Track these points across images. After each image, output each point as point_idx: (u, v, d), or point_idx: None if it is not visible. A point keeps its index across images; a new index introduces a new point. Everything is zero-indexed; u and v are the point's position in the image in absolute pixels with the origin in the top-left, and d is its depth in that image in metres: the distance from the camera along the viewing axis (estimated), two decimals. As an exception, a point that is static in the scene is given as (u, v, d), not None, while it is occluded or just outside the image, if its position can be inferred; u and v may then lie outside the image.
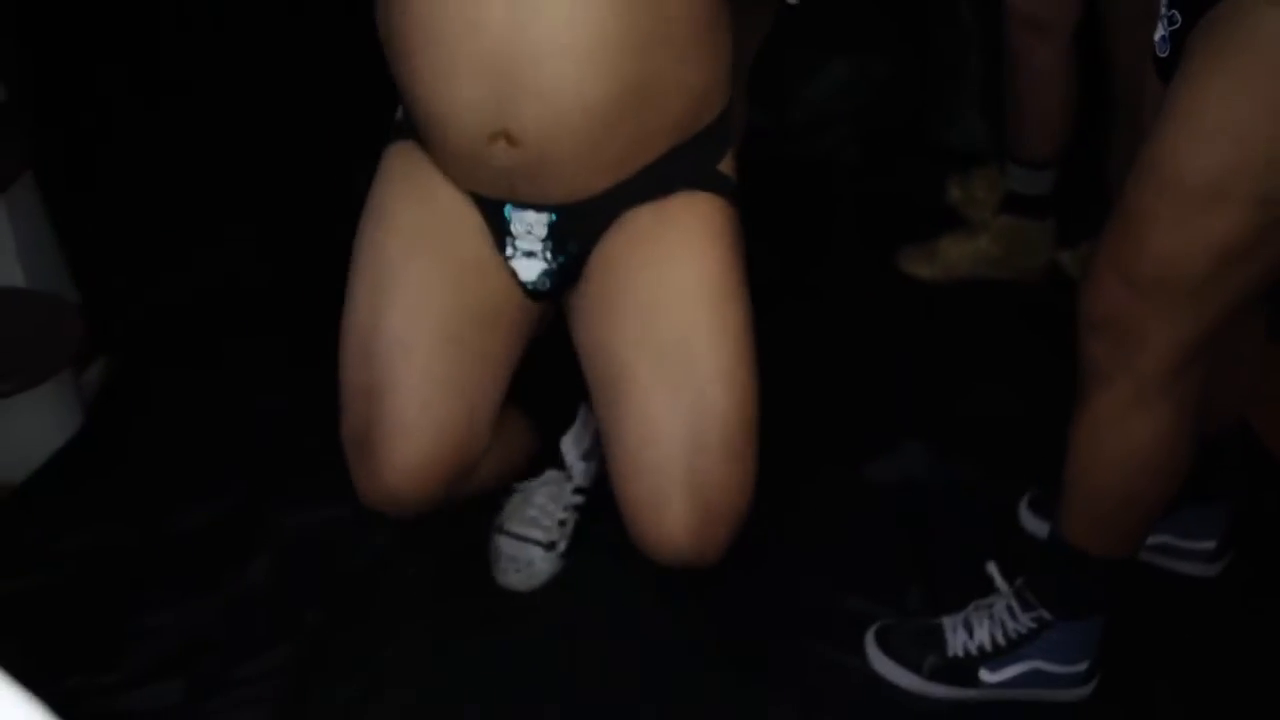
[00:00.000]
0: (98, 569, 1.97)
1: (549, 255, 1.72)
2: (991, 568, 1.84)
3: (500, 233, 1.71)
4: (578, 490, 2.01)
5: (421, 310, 1.71)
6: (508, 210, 1.69)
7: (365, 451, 1.72)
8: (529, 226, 1.70)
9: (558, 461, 2.00)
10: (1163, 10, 1.51)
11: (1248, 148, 1.39)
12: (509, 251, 1.72)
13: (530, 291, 1.75)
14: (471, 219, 1.71)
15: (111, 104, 2.97)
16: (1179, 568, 1.98)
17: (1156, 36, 1.53)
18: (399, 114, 1.77)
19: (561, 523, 1.98)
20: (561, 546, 1.97)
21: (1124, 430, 1.57)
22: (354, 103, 2.27)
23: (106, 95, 2.98)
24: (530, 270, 1.73)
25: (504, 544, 1.96)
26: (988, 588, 1.83)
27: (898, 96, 3.00)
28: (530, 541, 1.95)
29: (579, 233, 1.70)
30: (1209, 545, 1.98)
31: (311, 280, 2.06)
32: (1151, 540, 1.89)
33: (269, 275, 2.57)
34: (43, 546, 2.01)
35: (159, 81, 3.02)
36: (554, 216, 1.69)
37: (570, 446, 2.00)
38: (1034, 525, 2.02)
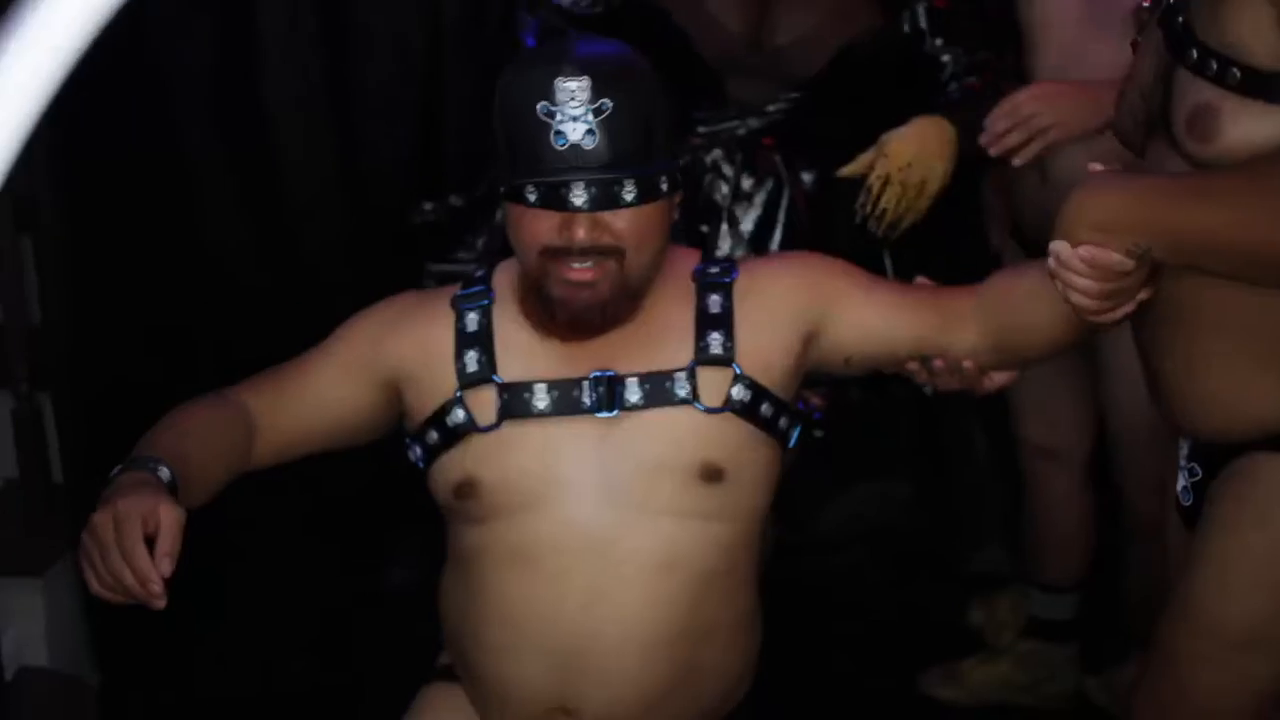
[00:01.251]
0: None
1: None
2: None
3: None
4: None
5: None
6: None
7: None
8: None
9: None
10: (1182, 462, 1.57)
11: None
12: None
13: None
14: None
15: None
16: None
17: (1179, 487, 1.59)
18: (443, 657, 1.84)
19: None
20: None
21: None
22: (387, 496, 2.34)
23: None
24: None
25: None
26: None
27: (919, 519, 3.06)
28: None
29: None
30: None
31: (349, 684, 2.06)
32: None
33: (306, 677, 2.57)
34: None
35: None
36: None
37: None
38: None
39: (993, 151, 2.20)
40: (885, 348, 1.73)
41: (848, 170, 2.30)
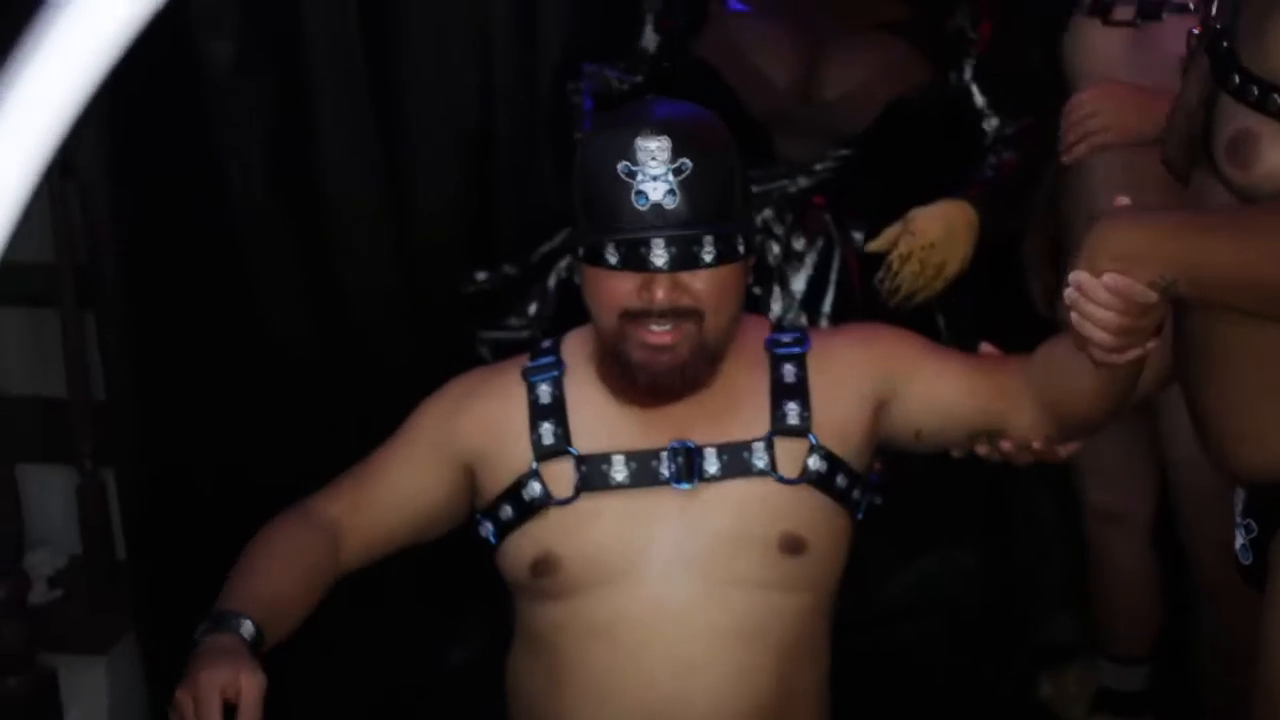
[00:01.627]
0: None
1: None
2: None
3: None
4: None
5: None
6: None
7: None
8: None
9: None
10: (1238, 520, 1.55)
11: None
12: None
13: None
14: None
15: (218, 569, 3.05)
16: None
17: (1237, 545, 1.56)
18: None
19: None
20: None
21: None
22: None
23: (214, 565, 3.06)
24: None
25: None
26: None
27: (986, 588, 3.01)
28: None
29: None
30: None
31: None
32: None
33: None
34: None
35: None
36: None
37: None
38: None
39: (1064, 159, 2.25)
40: (954, 419, 1.74)
41: (875, 245, 2.33)
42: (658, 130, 1.63)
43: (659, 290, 1.63)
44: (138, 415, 2.59)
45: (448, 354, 2.64)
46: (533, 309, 2.53)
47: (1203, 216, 1.50)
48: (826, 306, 2.40)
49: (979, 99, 2.41)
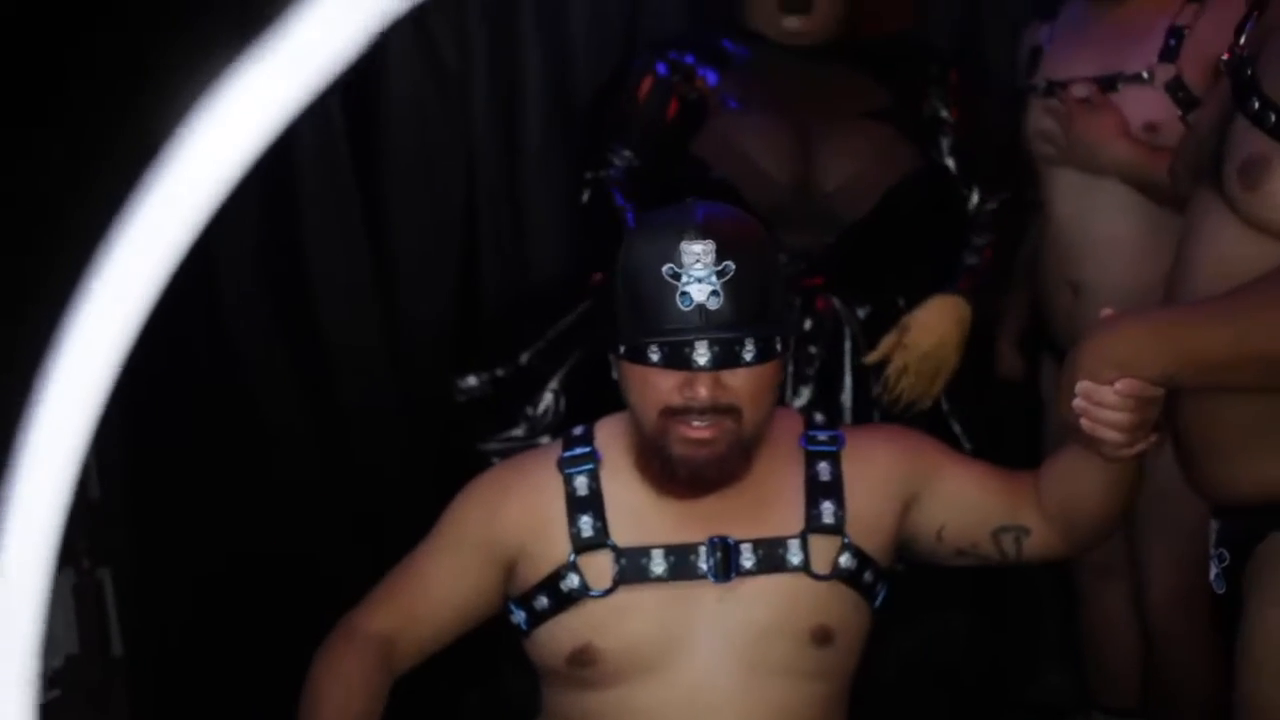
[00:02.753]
0: None
1: None
2: None
3: None
4: None
5: None
6: None
7: None
8: None
9: None
10: (1212, 550, 1.60)
11: None
12: None
13: None
14: None
15: (216, 665, 3.03)
16: None
17: (1211, 575, 1.61)
18: None
19: None
20: None
21: None
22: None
23: (212, 661, 3.05)
24: None
25: None
26: None
27: (979, 653, 3.03)
28: None
29: None
30: None
31: None
32: None
33: None
34: None
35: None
36: None
37: None
38: None
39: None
40: (976, 516, 1.82)
41: (872, 357, 2.43)
42: (702, 234, 1.69)
43: (701, 388, 1.69)
44: (133, 514, 2.61)
45: (438, 453, 2.69)
46: (545, 407, 2.56)
47: (1190, 308, 1.57)
48: (847, 387, 2.46)
49: (960, 176, 2.50)
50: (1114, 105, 2.36)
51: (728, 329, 1.69)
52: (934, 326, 2.40)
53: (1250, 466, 1.58)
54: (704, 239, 1.69)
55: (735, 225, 1.77)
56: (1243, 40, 1.61)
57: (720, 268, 1.68)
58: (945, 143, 2.51)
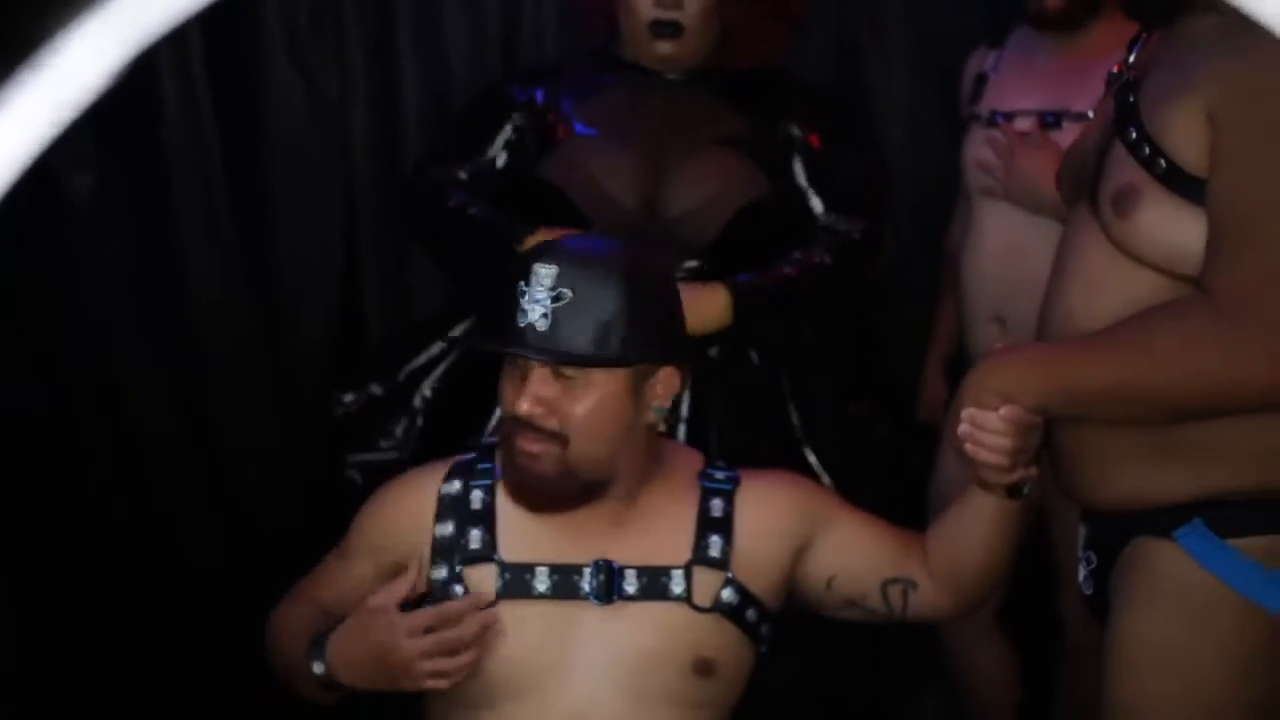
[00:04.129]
0: None
1: None
2: None
3: None
4: None
5: None
6: None
7: None
8: None
9: None
10: (1080, 552, 1.66)
11: (1185, 674, 1.53)
12: None
13: None
14: None
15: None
16: None
17: (1079, 577, 1.66)
18: None
19: None
20: None
21: None
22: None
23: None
24: None
25: None
26: None
27: (858, 674, 3.05)
28: None
29: None
30: None
31: None
32: None
33: None
34: None
35: None
36: None
37: None
38: None
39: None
40: (866, 569, 1.87)
41: None
42: (553, 258, 1.75)
43: (523, 403, 1.74)
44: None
45: (321, 476, 2.69)
46: (400, 429, 2.58)
47: (1069, 345, 1.65)
48: (684, 412, 2.46)
49: (815, 201, 2.53)
50: (1056, 143, 2.32)
51: (548, 351, 1.73)
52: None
53: (1118, 473, 1.64)
54: (551, 263, 1.73)
55: (598, 258, 1.79)
56: (1131, 59, 1.66)
57: (556, 293, 1.72)
58: (801, 169, 2.53)
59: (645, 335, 1.78)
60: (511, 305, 1.74)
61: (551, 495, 1.79)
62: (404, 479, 1.95)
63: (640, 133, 2.49)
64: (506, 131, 2.54)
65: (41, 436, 2.65)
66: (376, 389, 2.62)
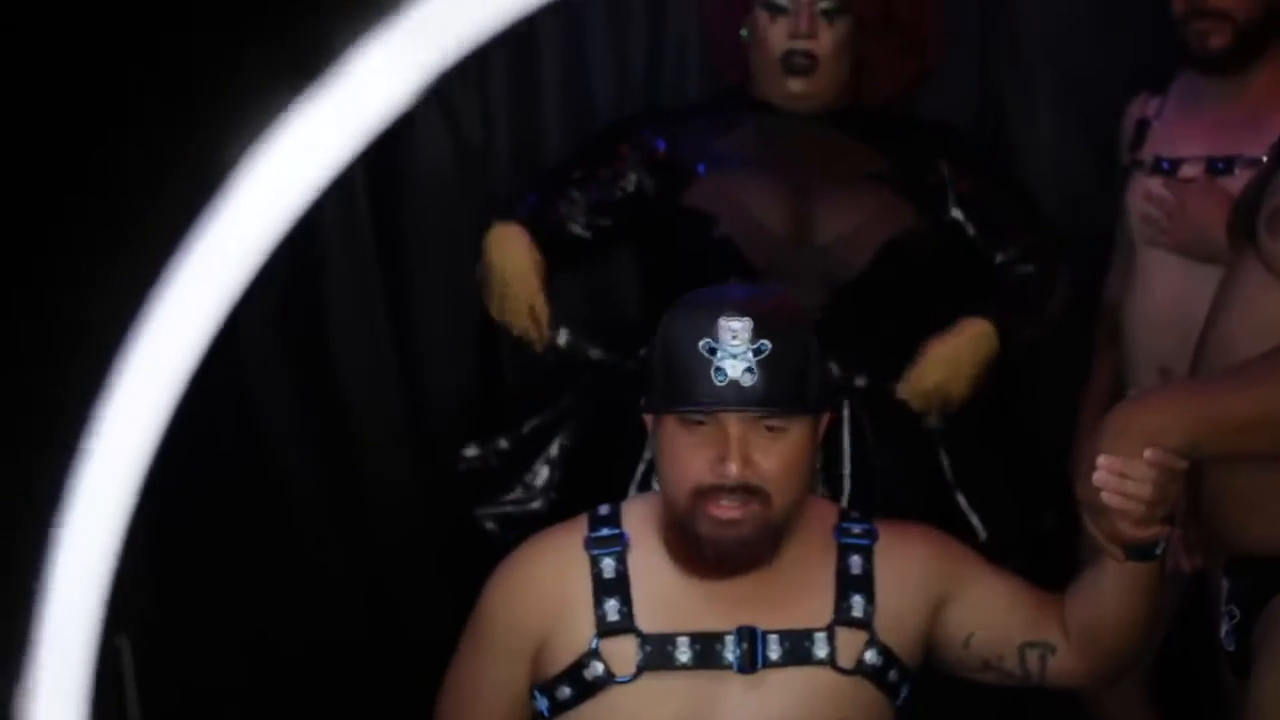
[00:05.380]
0: None
1: None
2: None
3: None
4: None
5: None
6: None
7: None
8: None
9: None
10: (1223, 607, 1.61)
11: None
12: None
13: None
14: None
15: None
16: None
17: (1222, 632, 1.61)
18: None
19: None
20: None
21: None
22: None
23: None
24: None
25: None
26: None
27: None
28: None
29: None
30: None
31: None
32: None
33: None
34: None
35: None
36: None
37: None
38: None
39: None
40: (1005, 630, 1.81)
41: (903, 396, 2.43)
42: (740, 311, 1.72)
43: (732, 465, 1.70)
44: (155, 582, 2.59)
45: (452, 529, 2.68)
46: (541, 479, 2.56)
47: (1210, 377, 1.62)
48: (846, 461, 2.45)
49: (971, 230, 2.52)
50: (1225, 189, 2.26)
51: (760, 405, 1.71)
52: (947, 361, 2.42)
53: (1265, 514, 1.60)
54: (742, 316, 1.72)
55: (775, 307, 1.79)
56: None
57: (756, 345, 1.70)
58: (952, 203, 2.52)
59: (823, 380, 1.82)
60: (703, 365, 1.71)
61: (753, 558, 1.77)
62: (526, 554, 1.89)
63: (787, 165, 2.50)
64: (630, 168, 2.54)
65: (191, 489, 2.69)
66: (503, 442, 2.60)
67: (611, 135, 2.62)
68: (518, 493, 2.55)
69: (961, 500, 2.49)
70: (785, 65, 2.48)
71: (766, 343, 1.71)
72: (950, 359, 2.41)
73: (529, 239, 2.44)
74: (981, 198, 2.53)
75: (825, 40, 2.47)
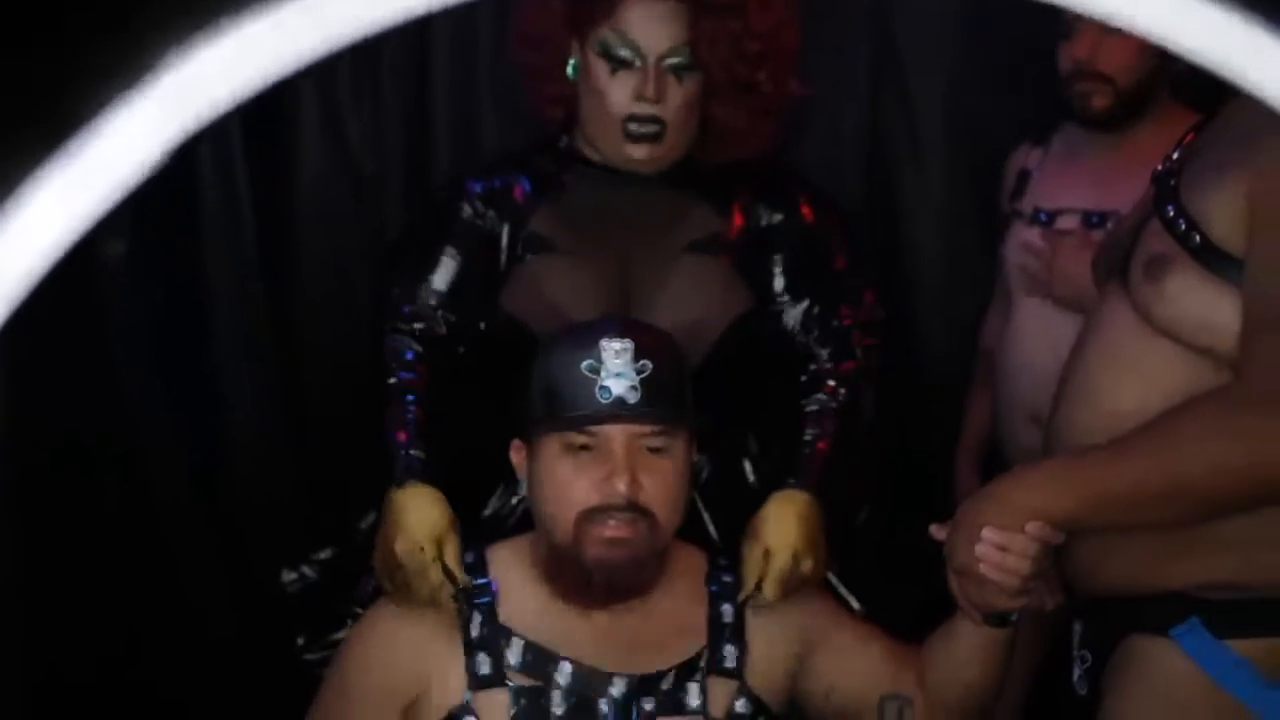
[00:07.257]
0: None
1: None
2: None
3: None
4: None
5: None
6: None
7: None
8: None
9: None
10: (1075, 651, 1.63)
11: None
12: None
13: None
14: None
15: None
16: None
17: (1074, 676, 1.63)
18: None
19: None
20: None
21: None
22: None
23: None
24: None
25: None
26: None
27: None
28: None
29: None
30: None
31: None
32: None
33: None
34: None
35: None
36: None
37: None
38: None
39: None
40: (865, 684, 1.81)
41: (746, 593, 1.93)
42: (621, 334, 1.77)
43: (619, 483, 1.72)
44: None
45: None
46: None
47: (1092, 451, 1.61)
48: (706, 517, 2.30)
49: (800, 331, 2.21)
50: (1099, 242, 2.18)
51: (648, 418, 1.74)
52: (791, 537, 1.94)
53: (1117, 558, 1.62)
54: (623, 338, 1.76)
55: (652, 332, 1.86)
56: (1175, 156, 1.67)
57: (639, 365, 1.75)
58: (779, 272, 2.21)
59: (693, 406, 1.84)
60: (588, 385, 1.74)
61: (639, 582, 1.78)
62: (391, 610, 1.86)
63: (605, 244, 2.17)
64: (450, 254, 2.18)
65: (63, 501, 2.64)
66: (326, 553, 2.32)
67: (448, 208, 2.23)
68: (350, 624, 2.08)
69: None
70: (627, 132, 2.10)
71: (648, 363, 1.75)
72: (799, 536, 1.96)
73: (443, 501, 1.96)
74: (803, 251, 2.23)
75: (674, 101, 2.09)
